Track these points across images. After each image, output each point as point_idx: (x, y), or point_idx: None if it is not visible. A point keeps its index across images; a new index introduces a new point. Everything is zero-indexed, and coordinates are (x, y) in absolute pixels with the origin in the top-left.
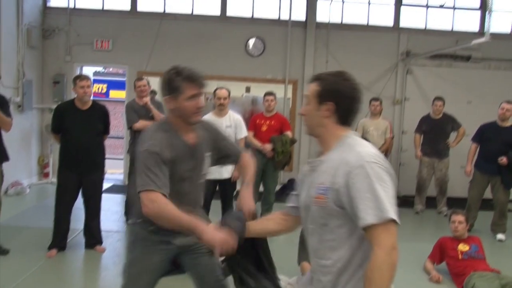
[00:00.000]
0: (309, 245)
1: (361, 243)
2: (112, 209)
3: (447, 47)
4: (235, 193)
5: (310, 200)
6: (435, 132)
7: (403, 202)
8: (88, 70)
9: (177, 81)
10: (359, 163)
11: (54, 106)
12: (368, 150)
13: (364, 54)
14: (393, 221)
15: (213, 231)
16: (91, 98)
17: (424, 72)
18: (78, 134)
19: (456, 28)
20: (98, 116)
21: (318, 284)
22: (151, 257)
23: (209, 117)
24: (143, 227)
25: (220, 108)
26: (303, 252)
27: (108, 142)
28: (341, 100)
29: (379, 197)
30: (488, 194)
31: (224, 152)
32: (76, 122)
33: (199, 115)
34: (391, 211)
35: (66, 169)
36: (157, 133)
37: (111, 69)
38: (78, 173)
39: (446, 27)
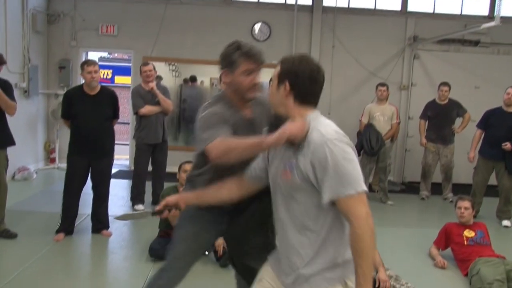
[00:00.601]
0: (278, 217)
1: (328, 214)
2: (118, 194)
3: (456, 32)
4: None
5: (278, 173)
6: (441, 117)
7: (409, 188)
8: (94, 56)
9: (234, 55)
10: (322, 141)
11: (60, 92)
12: (328, 129)
13: (371, 38)
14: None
15: (278, 132)
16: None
17: (431, 57)
18: (87, 119)
19: (465, 12)
20: (107, 101)
21: (286, 262)
22: (208, 235)
23: None
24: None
25: None
26: None
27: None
28: (296, 79)
29: (347, 172)
30: (493, 180)
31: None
32: (84, 107)
33: (254, 91)
34: (361, 183)
35: (75, 155)
36: (217, 104)
37: (116, 55)
38: (87, 158)
39: (455, 11)
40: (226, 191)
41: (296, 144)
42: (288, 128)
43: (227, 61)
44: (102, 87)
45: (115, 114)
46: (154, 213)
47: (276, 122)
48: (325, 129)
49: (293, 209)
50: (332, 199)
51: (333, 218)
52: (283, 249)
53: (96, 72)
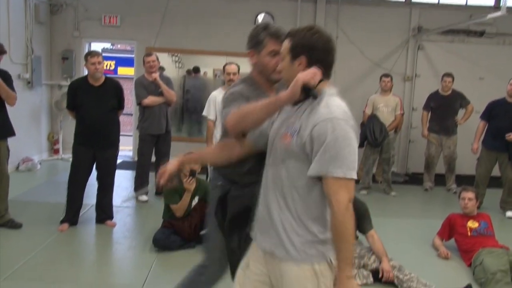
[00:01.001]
0: (264, 183)
1: (313, 189)
2: (122, 185)
3: (460, 22)
4: None
5: (278, 135)
6: (443, 108)
7: (413, 179)
8: (97, 47)
9: (262, 35)
10: (328, 116)
11: (63, 83)
12: (338, 108)
13: (375, 29)
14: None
15: (292, 84)
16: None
17: (435, 48)
18: (91, 110)
19: (470, 2)
20: (112, 92)
21: (267, 231)
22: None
23: (218, 92)
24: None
25: (230, 84)
26: None
27: None
28: (313, 52)
29: (342, 154)
30: (497, 172)
31: None
32: (89, 98)
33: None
34: (352, 170)
35: (80, 145)
36: (240, 85)
37: (119, 46)
38: (93, 149)
39: (460, 1)
40: (227, 152)
41: (311, 93)
42: (301, 77)
43: (254, 41)
44: (106, 78)
45: (120, 105)
46: (158, 193)
47: None
48: (335, 107)
49: (281, 177)
50: (319, 175)
51: (317, 195)
52: (265, 216)
53: (99, 63)
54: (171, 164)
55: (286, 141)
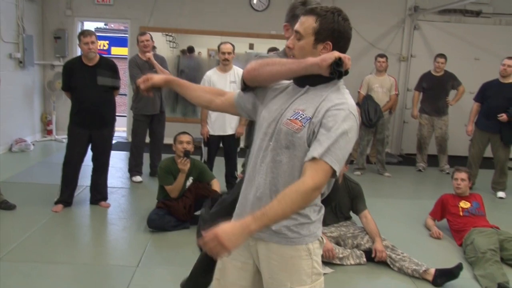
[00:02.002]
0: (265, 161)
1: None
2: (116, 165)
3: (457, 1)
4: (238, 149)
5: (281, 119)
6: (436, 89)
7: (406, 160)
8: (90, 26)
9: (299, 9)
10: (342, 107)
11: (56, 62)
12: (352, 101)
13: (370, 9)
14: (334, 172)
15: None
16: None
17: (432, 28)
18: (86, 90)
19: None
20: (106, 72)
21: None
22: None
23: (213, 72)
24: None
25: (225, 63)
26: None
27: None
28: (340, 40)
29: (341, 147)
30: (489, 152)
31: None
32: (84, 78)
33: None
34: (340, 165)
35: (76, 126)
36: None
37: (112, 26)
38: (88, 129)
39: None
40: (210, 96)
41: (339, 70)
42: (337, 53)
43: (290, 15)
44: (101, 57)
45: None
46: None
47: None
48: (349, 98)
49: (281, 162)
50: (313, 156)
51: None
52: (254, 201)
53: (93, 42)
54: (158, 78)
55: (295, 127)
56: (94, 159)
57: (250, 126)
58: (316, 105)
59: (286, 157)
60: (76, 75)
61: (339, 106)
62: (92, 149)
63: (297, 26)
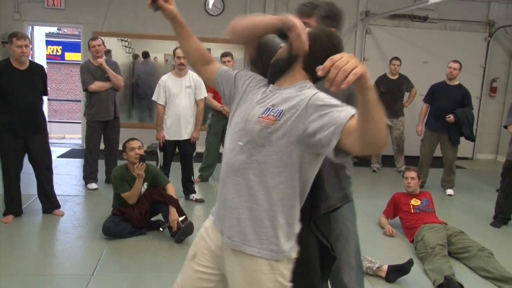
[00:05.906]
0: (231, 162)
1: (295, 174)
2: (70, 173)
3: (405, 7)
4: (194, 153)
5: (250, 118)
6: (393, 92)
7: (362, 161)
8: (41, 31)
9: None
10: (317, 91)
11: None
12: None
13: None
14: None
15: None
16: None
17: (383, 32)
18: (20, 95)
19: None
20: (38, 77)
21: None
22: None
23: (168, 77)
24: None
25: (180, 68)
26: None
27: (65, 106)
28: (316, 54)
29: (342, 104)
30: (438, 152)
31: None
32: (16, 83)
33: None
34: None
35: (7, 134)
36: None
37: (66, 31)
38: (22, 137)
39: None
40: (197, 58)
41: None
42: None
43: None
44: (30, 62)
45: (44, 91)
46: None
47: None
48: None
49: (256, 161)
50: (341, 127)
51: (293, 185)
52: (229, 205)
53: (26, 46)
54: (170, 6)
55: (268, 123)
56: (35, 167)
57: None
58: (289, 100)
59: (260, 156)
60: (6, 79)
61: (317, 93)
62: (31, 158)
63: None
